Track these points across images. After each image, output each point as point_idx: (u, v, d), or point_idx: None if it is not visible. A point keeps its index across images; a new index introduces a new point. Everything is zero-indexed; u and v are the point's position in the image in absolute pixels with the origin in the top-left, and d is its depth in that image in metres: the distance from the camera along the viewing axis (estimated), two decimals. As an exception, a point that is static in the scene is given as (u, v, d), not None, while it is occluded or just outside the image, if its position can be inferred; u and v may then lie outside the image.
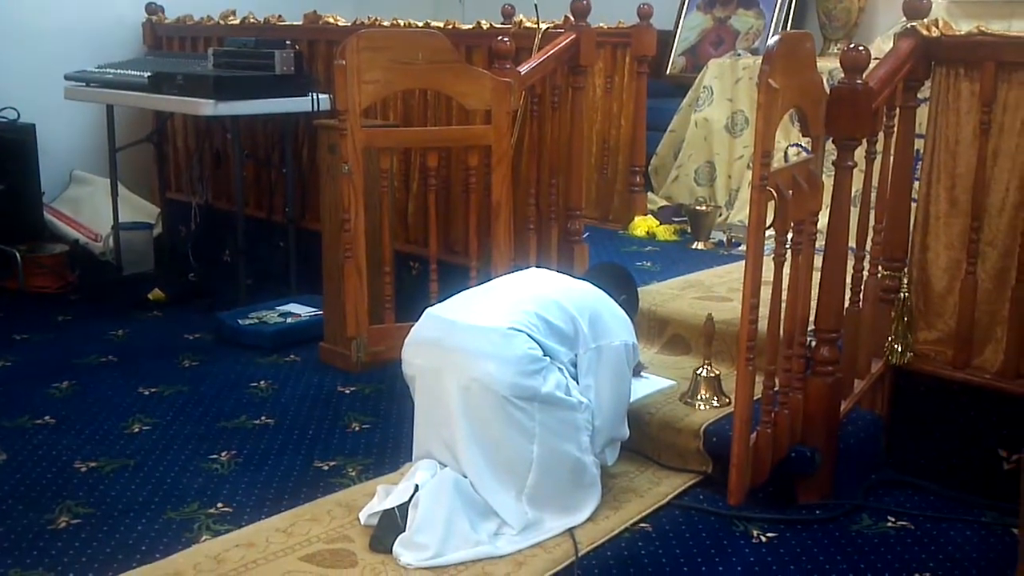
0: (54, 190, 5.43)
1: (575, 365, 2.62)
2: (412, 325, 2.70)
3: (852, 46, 2.69)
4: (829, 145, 2.76)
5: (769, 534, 2.63)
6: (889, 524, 2.73)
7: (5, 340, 4.13)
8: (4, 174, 4.85)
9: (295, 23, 4.99)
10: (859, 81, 2.63)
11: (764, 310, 2.55)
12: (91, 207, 5.44)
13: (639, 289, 3.25)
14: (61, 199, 5.48)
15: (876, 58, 2.83)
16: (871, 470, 2.97)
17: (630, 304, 2.99)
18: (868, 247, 2.99)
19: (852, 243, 2.87)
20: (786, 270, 2.61)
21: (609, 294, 2.79)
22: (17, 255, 4.83)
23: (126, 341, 4.18)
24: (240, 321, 4.17)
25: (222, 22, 5.35)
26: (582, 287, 2.76)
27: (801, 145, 4.18)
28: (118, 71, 4.84)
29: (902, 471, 2.99)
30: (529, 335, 2.51)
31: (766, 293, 2.54)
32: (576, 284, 2.78)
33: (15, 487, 2.84)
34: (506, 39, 3.51)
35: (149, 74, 4.54)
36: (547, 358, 2.52)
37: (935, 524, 2.73)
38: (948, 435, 2.95)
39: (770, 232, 2.50)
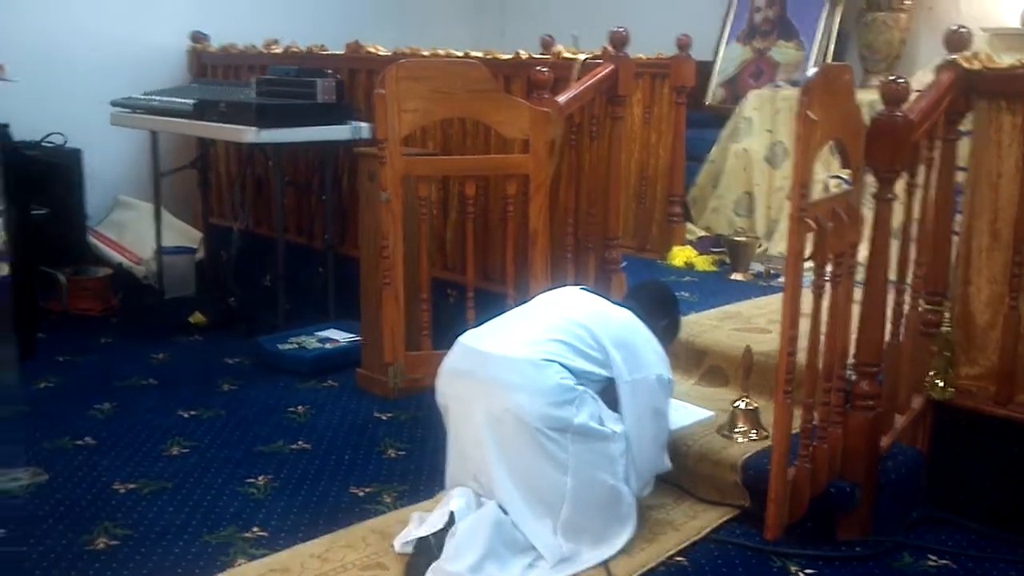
0: (99, 214, 5.52)
1: (608, 383, 2.60)
2: (448, 352, 2.71)
3: (893, 78, 2.68)
4: (870, 177, 2.74)
5: (807, 570, 2.60)
6: (931, 562, 2.68)
7: (49, 361, 4.19)
8: (50, 198, 4.93)
9: (337, 52, 5.05)
10: (899, 113, 2.61)
11: (803, 342, 2.53)
12: (134, 231, 5.52)
13: (678, 317, 3.22)
14: (105, 223, 5.56)
15: (917, 91, 2.82)
16: (912, 507, 2.92)
17: (671, 329, 2.98)
18: (909, 280, 2.96)
19: (892, 276, 2.84)
20: (825, 302, 2.59)
21: (650, 319, 2.77)
22: (62, 278, 4.90)
23: (167, 364, 4.23)
24: (279, 346, 4.20)
25: (265, 51, 5.43)
26: (616, 315, 2.73)
27: (842, 177, 4.16)
28: (163, 98, 4.92)
29: (944, 508, 2.94)
30: (561, 364, 2.51)
31: (805, 325, 2.52)
32: (611, 311, 2.75)
33: (55, 507, 2.88)
34: (545, 69, 3.53)
35: (193, 101, 4.62)
36: (580, 387, 2.51)
37: (977, 563, 2.69)
38: (991, 472, 2.90)
39: (809, 264, 2.49)
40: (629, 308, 2.79)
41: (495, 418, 2.50)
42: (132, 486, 3.02)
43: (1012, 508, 2.86)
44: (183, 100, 4.74)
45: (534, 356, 2.51)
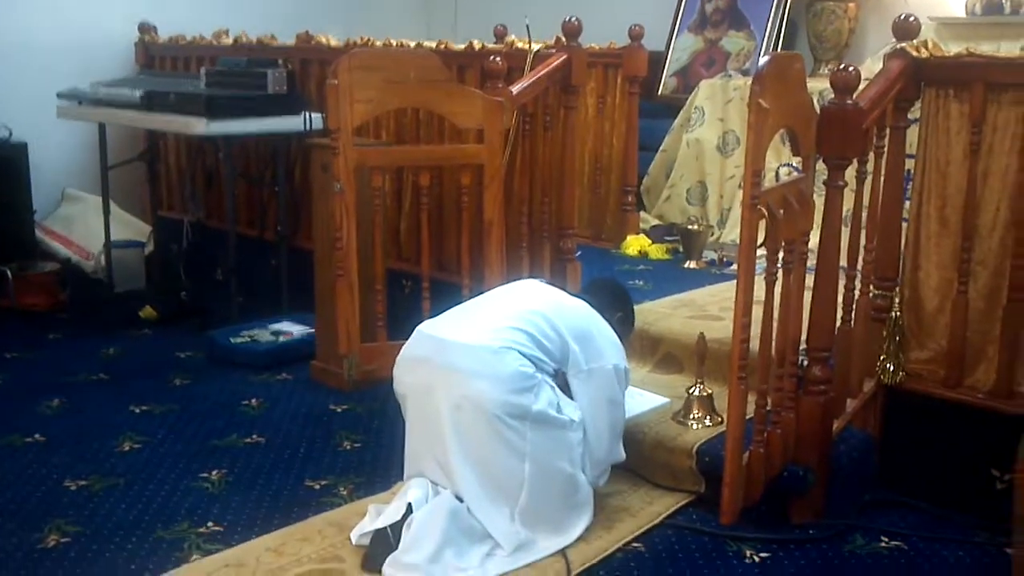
0: (46, 208, 5.43)
1: (560, 374, 2.61)
2: (404, 343, 2.70)
3: (842, 66, 2.70)
4: (820, 165, 2.77)
5: (762, 554, 2.63)
6: (882, 544, 2.73)
7: (-5, 358, 4.12)
8: (-4, 192, 4.86)
9: (288, 43, 5.00)
10: (849, 101, 2.64)
11: (756, 329, 2.55)
12: (83, 225, 5.43)
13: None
14: (53, 217, 5.47)
15: (866, 79, 2.85)
16: (864, 489, 2.97)
17: (626, 322, 2.99)
18: (859, 266, 3.00)
19: (843, 262, 2.87)
20: (777, 289, 2.62)
21: (604, 312, 2.78)
22: (8, 273, 4.81)
23: (117, 359, 4.17)
24: (232, 339, 4.16)
25: (215, 41, 5.36)
26: (574, 305, 2.75)
27: (792, 165, 4.20)
28: (111, 89, 4.84)
29: (895, 490, 2.99)
30: (520, 352, 2.51)
31: (758, 312, 2.54)
32: (568, 301, 2.76)
33: (4, 505, 2.83)
34: (498, 59, 3.53)
35: (141, 92, 4.55)
36: (538, 375, 2.52)
37: (928, 544, 2.73)
38: (941, 454, 2.95)
39: (761, 251, 2.51)
40: (585, 301, 2.80)
41: (454, 405, 2.50)
42: (83, 483, 2.97)
43: (961, 489, 2.91)
44: (131, 91, 4.66)
45: (493, 343, 2.51)
